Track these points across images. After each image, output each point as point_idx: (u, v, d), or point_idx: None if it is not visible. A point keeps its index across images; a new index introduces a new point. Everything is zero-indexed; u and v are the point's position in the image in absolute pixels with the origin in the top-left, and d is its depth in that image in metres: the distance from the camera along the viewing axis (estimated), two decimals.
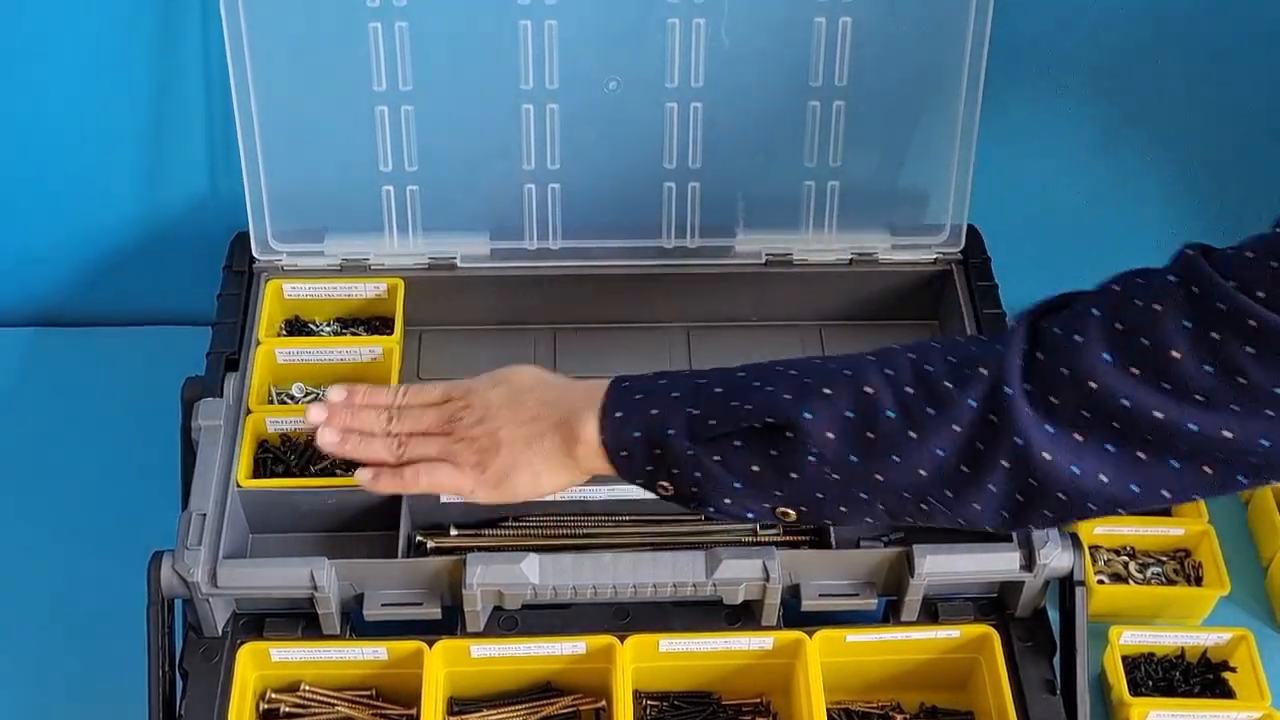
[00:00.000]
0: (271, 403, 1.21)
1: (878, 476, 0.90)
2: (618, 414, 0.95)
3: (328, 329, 1.28)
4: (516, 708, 1.10)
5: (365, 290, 1.27)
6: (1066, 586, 1.08)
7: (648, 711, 1.11)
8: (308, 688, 1.09)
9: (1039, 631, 1.11)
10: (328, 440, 1.02)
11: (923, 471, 0.89)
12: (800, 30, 1.19)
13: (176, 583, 1.04)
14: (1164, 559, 1.24)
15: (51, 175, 1.35)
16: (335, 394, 1.05)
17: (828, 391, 0.90)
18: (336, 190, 1.25)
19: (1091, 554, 1.22)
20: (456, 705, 1.10)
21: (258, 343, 1.20)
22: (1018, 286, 1.29)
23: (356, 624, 1.10)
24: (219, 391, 1.15)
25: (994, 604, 1.12)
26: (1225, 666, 1.17)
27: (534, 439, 0.98)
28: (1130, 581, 1.22)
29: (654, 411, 0.94)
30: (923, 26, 1.19)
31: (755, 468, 0.92)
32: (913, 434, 0.88)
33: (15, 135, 1.32)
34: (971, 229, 1.28)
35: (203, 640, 1.08)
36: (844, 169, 1.25)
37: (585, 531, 1.14)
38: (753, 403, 0.92)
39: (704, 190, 1.26)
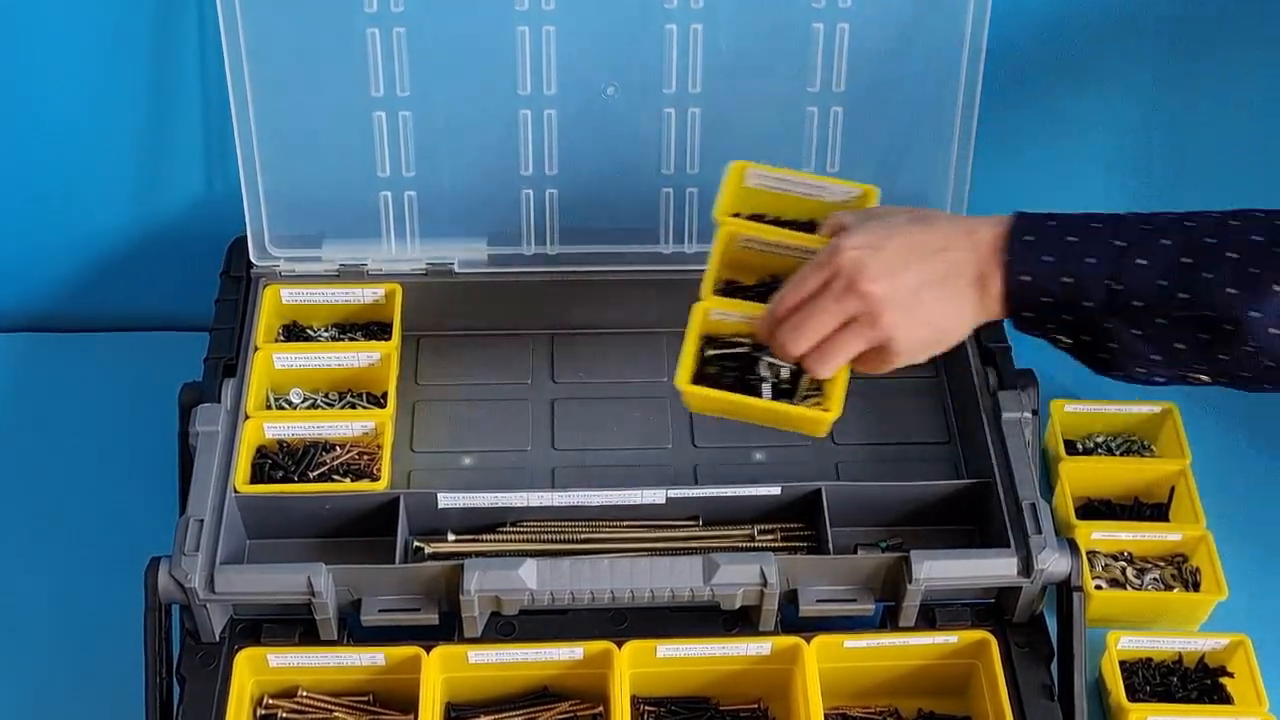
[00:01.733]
0: (269, 408, 1.21)
1: None
2: (1024, 277, 0.92)
3: (325, 334, 1.28)
4: (514, 713, 1.10)
5: (363, 295, 1.27)
6: (1064, 592, 1.08)
7: (645, 717, 1.10)
8: (305, 693, 1.09)
9: (1037, 637, 1.11)
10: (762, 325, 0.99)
11: None
12: (798, 36, 1.19)
13: (174, 588, 1.04)
14: (1161, 564, 1.24)
15: (49, 180, 1.35)
16: (761, 329, 1.00)
17: (1276, 287, 0.86)
18: (334, 196, 1.25)
19: (1089, 559, 1.22)
20: (454, 711, 1.10)
21: (255, 348, 1.20)
22: None
23: (354, 629, 1.10)
24: (217, 397, 1.15)
25: (992, 609, 1.12)
26: (1223, 672, 1.17)
27: (955, 296, 0.94)
28: (1128, 587, 1.22)
29: (1066, 278, 0.91)
30: (920, 32, 1.19)
31: (1180, 345, 0.89)
32: None
33: (13, 140, 1.32)
34: None
35: (200, 646, 1.08)
36: (842, 175, 1.25)
37: (583, 537, 1.14)
38: (1190, 292, 0.88)
39: (702, 195, 1.26)
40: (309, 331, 1.28)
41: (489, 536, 1.14)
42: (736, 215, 1.09)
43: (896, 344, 0.95)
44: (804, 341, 0.96)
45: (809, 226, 1.07)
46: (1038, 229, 0.93)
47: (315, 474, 1.15)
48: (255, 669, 1.08)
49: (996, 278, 0.93)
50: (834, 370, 0.98)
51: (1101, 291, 0.90)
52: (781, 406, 1.01)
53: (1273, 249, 0.88)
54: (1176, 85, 1.31)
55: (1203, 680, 1.17)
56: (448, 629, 1.09)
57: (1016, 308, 0.93)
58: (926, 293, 0.94)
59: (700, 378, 1.03)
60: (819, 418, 1.00)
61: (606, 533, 1.14)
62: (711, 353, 1.05)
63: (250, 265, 1.26)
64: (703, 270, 1.28)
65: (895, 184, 1.26)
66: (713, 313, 1.05)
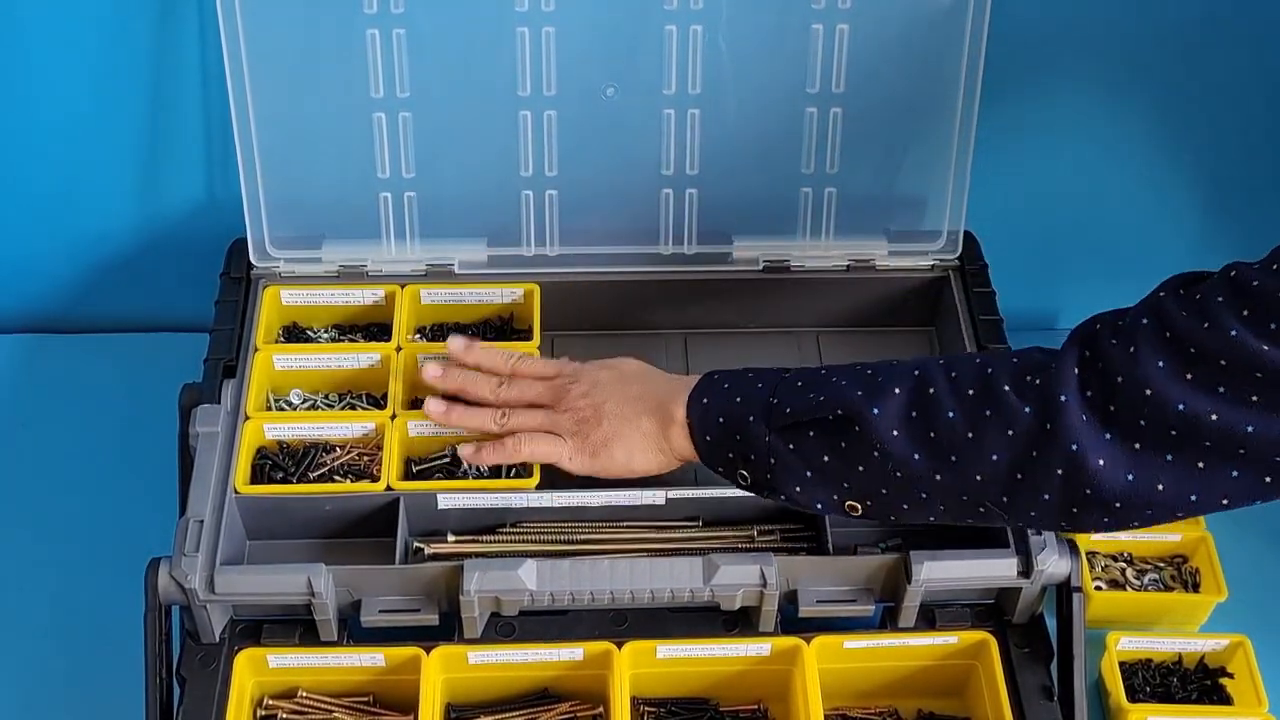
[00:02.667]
0: (269, 409, 1.21)
1: (938, 477, 0.93)
2: (704, 400, 1.03)
3: (325, 335, 1.28)
4: (514, 714, 1.10)
5: (363, 297, 1.27)
6: (1064, 593, 1.08)
7: (645, 718, 1.11)
8: (305, 694, 1.09)
9: (1036, 638, 1.11)
10: (434, 411, 1.12)
11: (979, 475, 0.92)
12: (797, 37, 1.19)
13: (174, 589, 1.04)
14: (1161, 565, 1.24)
15: (49, 181, 1.35)
16: (455, 343, 1.15)
17: (896, 390, 0.95)
18: (334, 197, 1.25)
19: (1089, 560, 1.22)
20: (454, 712, 1.10)
21: (255, 349, 1.20)
22: (1014, 293, 1.30)
23: (354, 630, 1.10)
24: (217, 398, 1.15)
25: (991, 610, 1.12)
26: (1223, 673, 1.17)
27: (634, 417, 1.06)
28: (1128, 588, 1.22)
29: (737, 399, 1.02)
30: (920, 33, 1.19)
31: (825, 458, 0.97)
32: (970, 435, 0.91)
33: (13, 142, 1.32)
34: (968, 235, 1.29)
35: (200, 647, 1.08)
36: (841, 176, 1.25)
37: (583, 538, 1.14)
38: (826, 394, 0.97)
39: (701, 197, 1.26)
40: (309, 333, 1.28)
41: (489, 537, 1.14)
42: None
43: (566, 433, 1.09)
44: (508, 396, 1.12)
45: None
46: (729, 372, 1.05)
47: (315, 475, 1.15)
48: (255, 670, 1.08)
49: (681, 405, 1.04)
50: (511, 429, 1.11)
51: (762, 406, 1.00)
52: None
53: (901, 365, 0.98)
54: (1178, 88, 1.31)
55: (1202, 681, 1.17)
56: (448, 630, 1.09)
57: (701, 432, 1.03)
58: (613, 404, 1.08)
59: None
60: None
61: (606, 533, 1.14)
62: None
63: (250, 266, 1.26)
64: (703, 270, 1.28)
65: (895, 184, 1.27)
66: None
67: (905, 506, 0.97)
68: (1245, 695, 1.15)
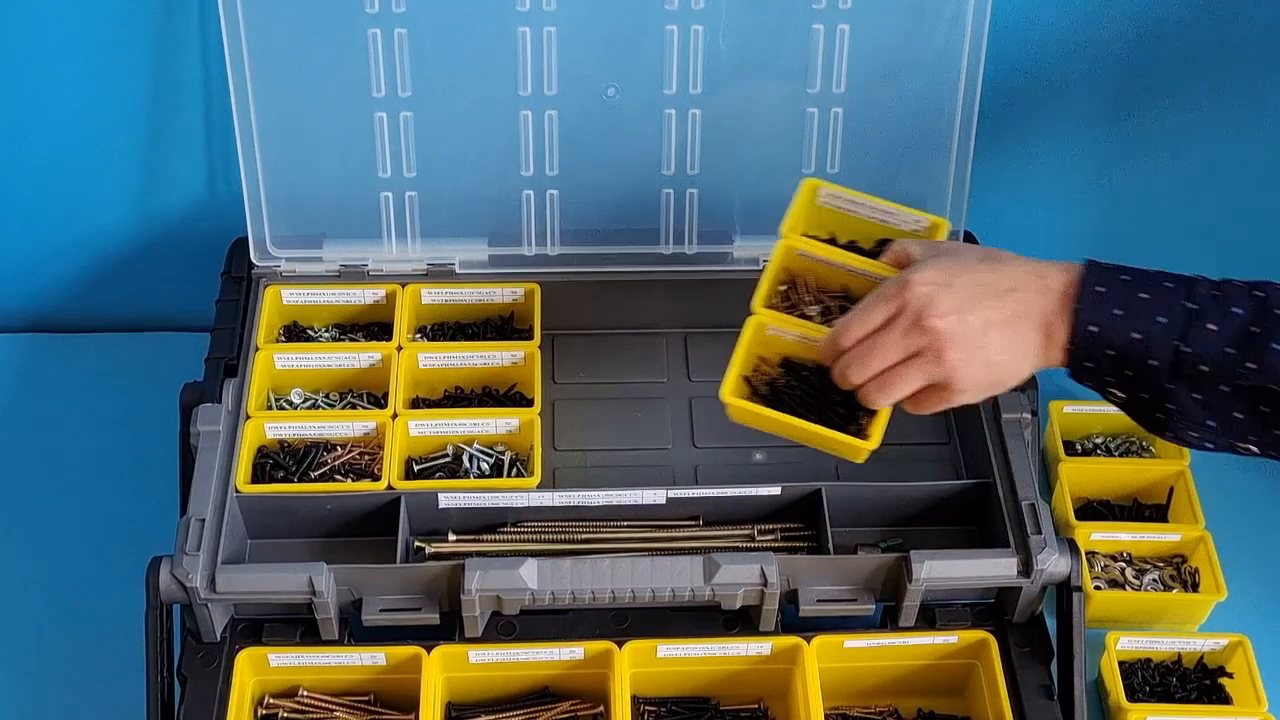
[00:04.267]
0: (270, 408, 1.21)
1: None
2: (1092, 328, 0.91)
3: (326, 335, 1.28)
4: (515, 713, 1.10)
5: (364, 296, 1.27)
6: (1064, 592, 1.09)
7: (645, 717, 1.11)
8: (306, 693, 1.09)
9: (1036, 637, 1.11)
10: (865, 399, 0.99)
11: None
12: (798, 37, 1.20)
13: (175, 588, 1.04)
14: (1161, 565, 1.24)
15: (51, 181, 1.35)
16: (824, 355, 1.00)
17: None
18: (335, 196, 1.25)
19: (1089, 560, 1.22)
20: (455, 710, 1.10)
21: (256, 348, 1.20)
22: None
23: (355, 629, 1.10)
24: (218, 397, 1.15)
25: (991, 610, 1.12)
26: (1222, 672, 1.17)
27: (1020, 339, 0.93)
28: (1127, 587, 1.22)
29: (1134, 335, 0.90)
30: (920, 33, 1.20)
31: (1239, 415, 0.90)
32: None
33: (15, 141, 1.32)
34: (969, 235, 1.29)
35: (201, 645, 1.08)
36: (842, 175, 1.26)
37: (583, 537, 1.14)
38: (1258, 362, 0.88)
39: (702, 196, 1.27)
40: (310, 332, 1.28)
41: (490, 536, 1.14)
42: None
43: (957, 382, 0.95)
44: (865, 372, 0.96)
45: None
46: (1110, 281, 0.92)
47: (316, 474, 1.15)
48: (256, 669, 1.08)
49: (1063, 325, 0.92)
50: (891, 402, 0.97)
51: (1168, 352, 0.89)
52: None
53: None
54: (1177, 90, 1.31)
55: (1202, 680, 1.17)
56: (449, 629, 1.09)
57: (1080, 357, 0.92)
58: (993, 333, 0.93)
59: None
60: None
61: (607, 533, 1.14)
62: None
63: (251, 266, 1.26)
64: (704, 269, 1.29)
65: (894, 185, 1.27)
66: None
67: None
68: (1245, 695, 1.15)
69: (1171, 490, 1.27)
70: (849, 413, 1.02)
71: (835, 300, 1.07)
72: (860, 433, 1.00)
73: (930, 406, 0.97)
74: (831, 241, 1.09)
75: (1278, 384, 0.88)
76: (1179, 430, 0.92)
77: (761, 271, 1.27)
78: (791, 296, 1.09)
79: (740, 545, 1.14)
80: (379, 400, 1.22)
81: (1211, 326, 0.89)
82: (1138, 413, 0.93)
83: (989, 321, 0.93)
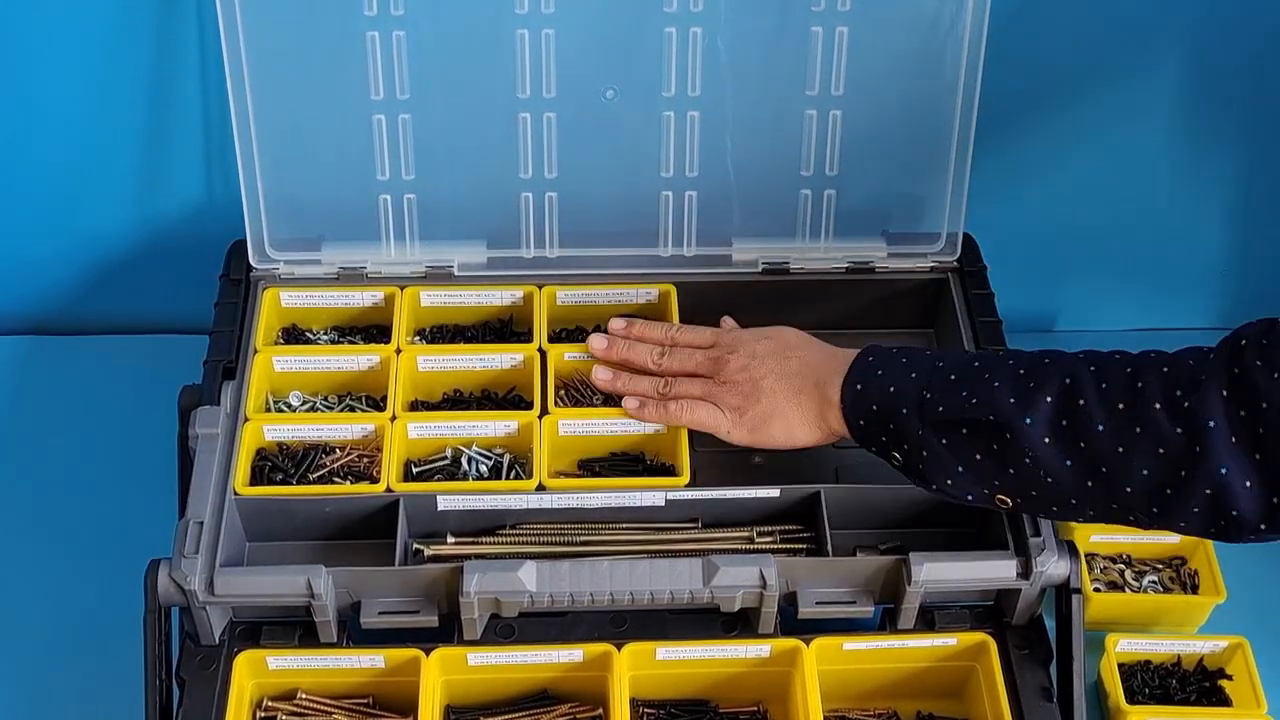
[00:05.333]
0: (269, 411, 1.21)
1: (1088, 484, 0.95)
2: (858, 386, 1.06)
3: (325, 337, 1.28)
4: (514, 716, 1.10)
5: (362, 299, 1.27)
6: (1063, 594, 1.09)
7: (644, 719, 1.10)
8: (304, 696, 1.09)
9: (1036, 639, 1.11)
10: (601, 378, 1.17)
11: (1128, 488, 0.94)
12: (797, 39, 1.20)
13: (173, 591, 1.04)
14: (1160, 567, 1.24)
15: (49, 183, 1.35)
16: (616, 323, 1.20)
17: (1047, 398, 0.97)
18: (334, 198, 1.25)
19: (1088, 562, 1.22)
20: (454, 713, 1.10)
21: (255, 351, 1.20)
22: (1013, 295, 1.30)
23: (354, 632, 1.10)
24: (216, 400, 1.15)
25: (991, 612, 1.12)
26: (1221, 674, 1.17)
27: (792, 394, 1.09)
28: (1126, 589, 1.22)
29: (890, 389, 1.04)
30: (919, 36, 1.20)
31: (977, 456, 1.00)
32: (1120, 450, 0.93)
33: (13, 143, 1.32)
34: (967, 238, 1.29)
35: (199, 648, 1.08)
36: (840, 178, 1.26)
37: (582, 539, 1.14)
38: (978, 396, 0.99)
39: (701, 199, 1.27)
40: (308, 334, 1.28)
41: (488, 539, 1.14)
42: None
43: (725, 404, 1.12)
44: (667, 363, 1.17)
45: None
46: (883, 353, 1.08)
47: (315, 476, 1.15)
48: (255, 671, 1.08)
49: (836, 387, 1.07)
50: (670, 394, 1.15)
51: (916, 400, 1.02)
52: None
53: (1049, 365, 0.99)
54: (1177, 90, 1.31)
55: (1201, 683, 1.17)
56: (447, 631, 1.09)
57: (851, 416, 1.06)
58: (773, 380, 1.11)
59: None
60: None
61: (606, 535, 1.14)
62: None
63: (250, 268, 1.26)
64: (703, 272, 1.29)
65: (894, 187, 1.27)
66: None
67: (1055, 508, 1.00)
68: (1244, 697, 1.15)
69: None
70: None
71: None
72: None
73: (689, 415, 1.13)
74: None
75: (994, 415, 0.97)
76: (937, 479, 1.02)
77: (761, 273, 1.28)
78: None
79: (739, 547, 1.14)
80: (378, 403, 1.22)
81: (951, 375, 1.02)
82: (909, 469, 1.05)
83: (773, 371, 1.11)
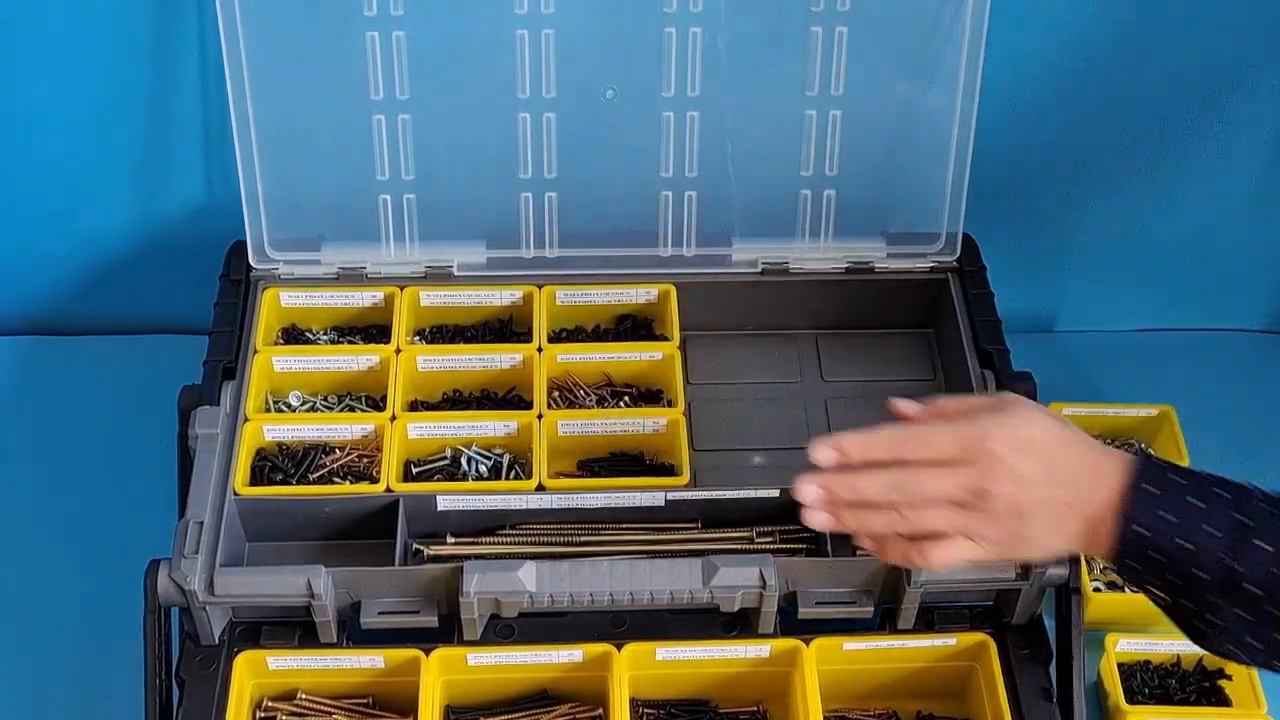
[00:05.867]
0: (269, 411, 1.21)
1: None
2: (1141, 529, 0.87)
3: (324, 338, 1.28)
4: (514, 716, 1.10)
5: (362, 299, 1.27)
6: (1063, 594, 1.09)
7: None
8: (304, 696, 1.09)
9: (1036, 639, 1.11)
10: (818, 522, 0.90)
11: None
12: (796, 39, 1.20)
13: (173, 591, 1.04)
14: None
15: (48, 183, 1.35)
16: (823, 454, 0.90)
17: None
18: (333, 199, 1.25)
19: (1087, 562, 1.22)
20: (453, 713, 1.10)
21: (255, 351, 1.20)
22: (1013, 295, 1.30)
23: (353, 632, 1.10)
24: (216, 400, 1.15)
25: (990, 612, 1.12)
26: (1221, 674, 1.17)
27: (1063, 526, 0.89)
28: (1126, 590, 1.22)
29: (1184, 542, 0.86)
30: (918, 35, 1.20)
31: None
32: None
33: (13, 143, 1.32)
34: (967, 238, 1.29)
35: (199, 648, 1.08)
36: (840, 178, 1.26)
37: (582, 539, 1.14)
38: None
39: (700, 199, 1.27)
40: (308, 335, 1.28)
41: (488, 539, 1.14)
42: None
43: (984, 539, 0.90)
44: (906, 493, 0.89)
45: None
46: (1162, 482, 0.88)
47: (315, 477, 1.15)
48: (254, 671, 1.08)
49: (1110, 522, 0.88)
50: (918, 531, 0.90)
51: (1218, 567, 0.86)
52: None
53: None
54: (1177, 90, 1.31)
55: (1201, 683, 1.17)
56: (447, 631, 1.09)
57: (1126, 556, 0.88)
58: (1040, 511, 0.89)
59: None
60: None
61: (606, 535, 1.14)
62: None
63: (249, 269, 1.26)
64: (702, 272, 1.29)
65: (893, 187, 1.27)
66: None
67: None
68: (1244, 697, 1.15)
69: None
70: None
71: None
72: None
73: (946, 556, 0.90)
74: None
75: None
76: (1218, 642, 0.89)
77: (761, 273, 1.28)
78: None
79: (739, 548, 1.14)
80: (377, 403, 1.22)
81: (1265, 546, 0.85)
82: (1179, 619, 0.90)
83: (1041, 500, 0.89)
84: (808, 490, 0.90)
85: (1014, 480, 0.88)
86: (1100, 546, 0.89)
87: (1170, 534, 0.86)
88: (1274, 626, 0.85)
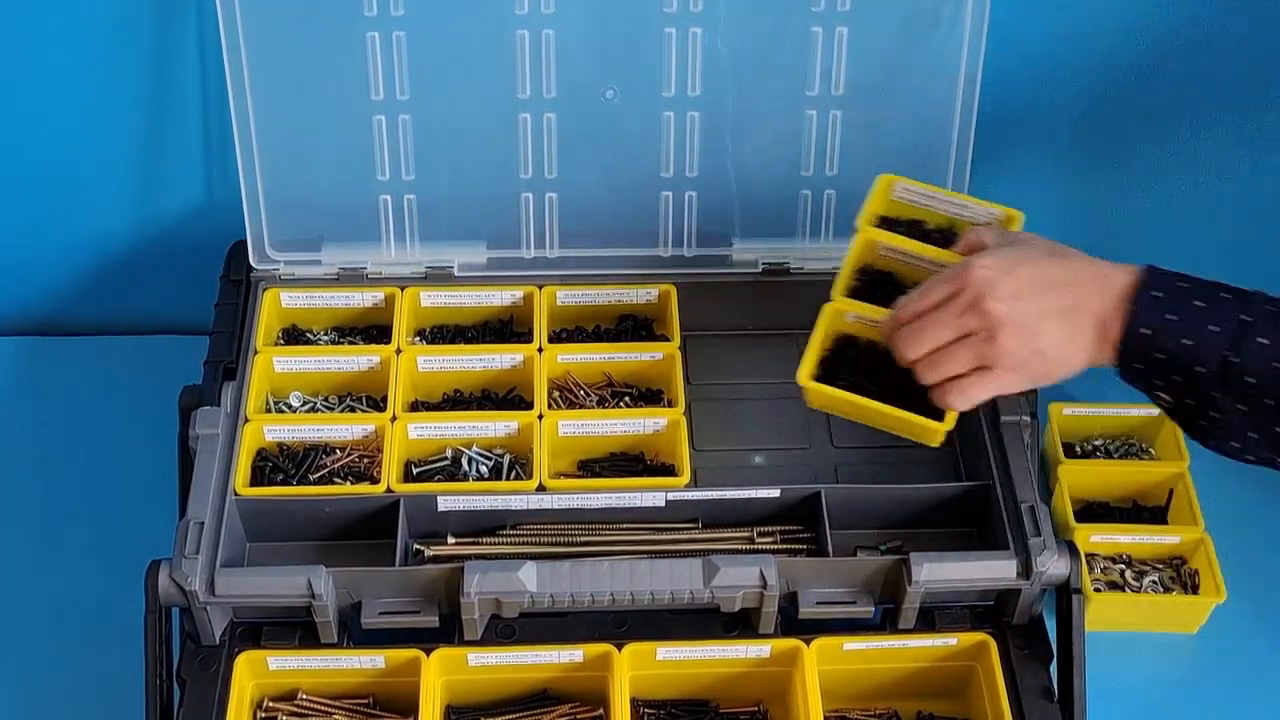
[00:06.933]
0: (269, 411, 1.21)
1: None
2: (1144, 329, 0.92)
3: (325, 338, 1.28)
4: (514, 716, 1.10)
5: (362, 299, 1.27)
6: (1063, 594, 1.08)
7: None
8: (305, 696, 1.09)
9: (1036, 639, 1.11)
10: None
11: None
12: (797, 40, 1.20)
13: (174, 591, 1.04)
14: (1160, 567, 1.24)
15: (49, 184, 1.35)
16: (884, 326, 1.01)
17: None
18: (334, 199, 1.25)
19: (1088, 562, 1.22)
20: (454, 713, 1.10)
21: (255, 351, 1.20)
22: None
23: (354, 632, 1.10)
24: (216, 400, 1.15)
25: (991, 611, 1.12)
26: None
27: (1075, 332, 0.94)
28: (1127, 589, 1.22)
29: (1186, 340, 0.91)
30: (919, 36, 1.20)
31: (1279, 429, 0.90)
32: None
33: (13, 144, 1.32)
34: None
35: (200, 649, 1.08)
36: (840, 178, 1.26)
37: (583, 539, 1.14)
38: None
39: (701, 199, 1.27)
40: (309, 335, 1.28)
41: (489, 539, 1.14)
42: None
43: (1006, 366, 0.96)
44: (919, 348, 0.98)
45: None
46: (1168, 287, 0.93)
47: (315, 477, 1.15)
48: (255, 672, 1.08)
49: (1117, 324, 0.93)
50: (942, 378, 0.98)
51: (1217, 360, 0.90)
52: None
53: None
54: (1177, 90, 1.31)
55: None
56: (448, 631, 1.09)
57: (1130, 357, 0.93)
58: (1047, 322, 0.94)
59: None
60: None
61: (606, 535, 1.14)
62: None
63: (250, 269, 1.26)
64: (703, 272, 1.29)
65: None
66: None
67: None
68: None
69: (1171, 492, 1.27)
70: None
71: None
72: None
73: (977, 392, 0.97)
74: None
75: None
76: (1221, 440, 0.93)
77: (761, 273, 1.28)
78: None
79: (739, 548, 1.14)
80: (378, 403, 1.22)
81: (1263, 340, 0.90)
82: (1183, 419, 0.94)
83: (1044, 310, 0.94)
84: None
85: (1012, 295, 0.94)
86: (1109, 349, 0.93)
87: (1174, 333, 0.90)
88: (1271, 418, 0.90)
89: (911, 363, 0.99)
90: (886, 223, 1.12)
